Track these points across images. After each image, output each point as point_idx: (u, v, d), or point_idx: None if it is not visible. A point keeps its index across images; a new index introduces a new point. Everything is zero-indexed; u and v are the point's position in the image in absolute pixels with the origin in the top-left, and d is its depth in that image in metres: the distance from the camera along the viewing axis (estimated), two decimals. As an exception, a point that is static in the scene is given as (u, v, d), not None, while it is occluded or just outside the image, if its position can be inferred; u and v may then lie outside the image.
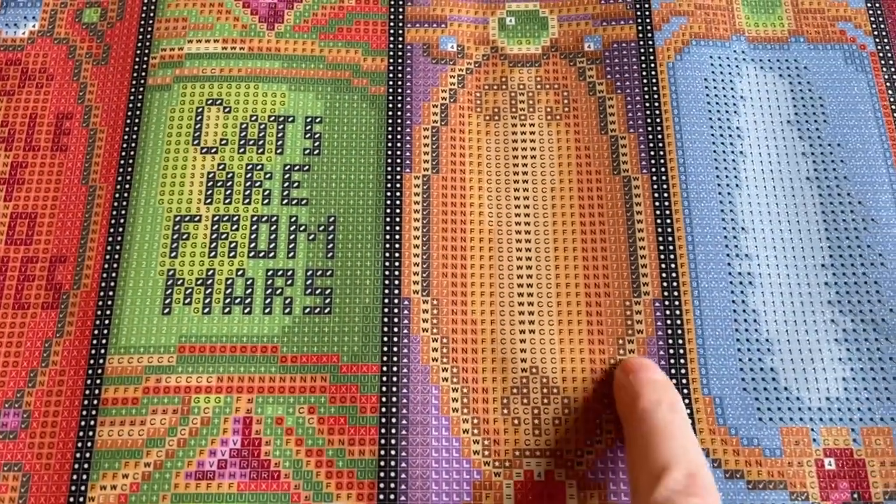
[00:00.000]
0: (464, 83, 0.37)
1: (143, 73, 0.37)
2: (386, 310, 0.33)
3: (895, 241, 0.34)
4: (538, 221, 0.35)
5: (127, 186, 0.35)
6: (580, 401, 0.32)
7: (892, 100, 0.37)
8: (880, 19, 0.38)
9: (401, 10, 0.38)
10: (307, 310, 0.33)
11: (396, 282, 0.33)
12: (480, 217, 0.35)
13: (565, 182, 0.36)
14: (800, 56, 0.38)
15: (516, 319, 0.33)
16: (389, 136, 0.36)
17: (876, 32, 0.38)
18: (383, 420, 0.31)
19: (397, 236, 0.34)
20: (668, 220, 0.34)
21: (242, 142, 0.35)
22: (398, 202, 0.35)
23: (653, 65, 0.37)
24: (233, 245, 0.34)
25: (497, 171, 0.36)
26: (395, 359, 0.32)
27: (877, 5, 0.39)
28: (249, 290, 0.33)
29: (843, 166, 0.36)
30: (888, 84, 0.37)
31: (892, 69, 0.37)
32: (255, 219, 0.34)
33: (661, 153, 0.35)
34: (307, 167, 0.35)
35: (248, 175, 0.35)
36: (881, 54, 0.38)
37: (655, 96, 0.36)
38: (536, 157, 0.36)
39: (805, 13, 0.39)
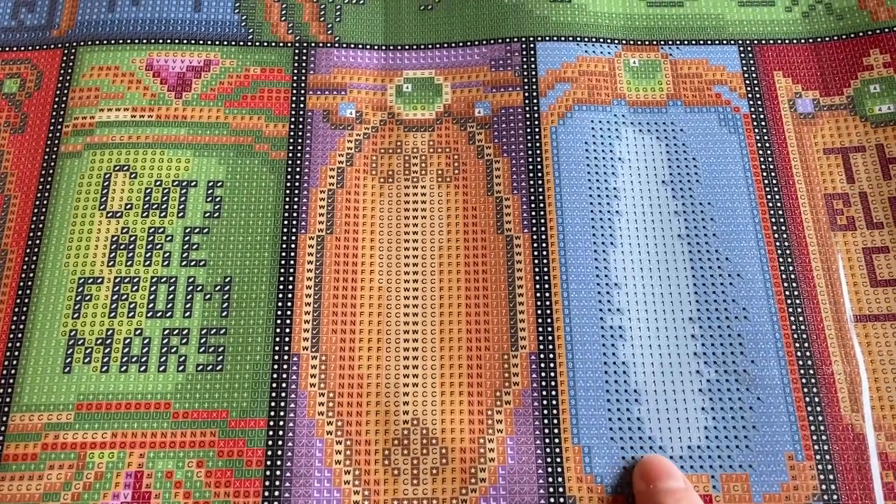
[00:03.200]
0: (360, 147, 0.40)
1: (57, 141, 0.39)
2: (275, 366, 0.35)
3: (759, 295, 0.36)
4: (426, 279, 0.37)
5: (36, 250, 0.37)
6: (457, 450, 0.34)
7: (761, 160, 0.39)
8: (755, 82, 0.41)
9: (303, 78, 0.41)
10: (200, 367, 0.35)
11: (287, 339, 0.35)
12: (371, 275, 0.37)
13: (452, 241, 0.38)
14: (676, 119, 0.40)
15: (401, 373, 0.35)
16: (287, 199, 0.38)
17: (750, 95, 0.41)
18: (268, 473, 0.33)
19: (290, 295, 0.36)
20: (546, 277, 0.37)
21: (146, 206, 0.37)
22: (292, 262, 0.37)
23: (537, 129, 0.39)
24: (132, 306, 0.36)
25: (389, 230, 0.38)
26: (282, 413, 0.34)
27: (752, 69, 0.41)
28: (146, 349, 0.35)
29: (712, 224, 0.38)
30: (759, 144, 0.40)
31: (764, 130, 0.40)
32: (154, 280, 0.36)
33: (542, 213, 0.38)
34: (207, 230, 0.37)
35: (150, 238, 0.37)
36: (753, 116, 0.40)
37: (538, 159, 0.39)
38: (427, 217, 0.38)
39: (683, 77, 0.41)
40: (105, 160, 0.38)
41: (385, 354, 0.36)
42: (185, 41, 0.41)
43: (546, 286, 0.36)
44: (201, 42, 0.41)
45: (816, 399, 0.35)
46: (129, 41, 0.41)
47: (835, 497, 0.33)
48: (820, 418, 0.34)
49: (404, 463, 0.34)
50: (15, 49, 0.41)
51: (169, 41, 0.41)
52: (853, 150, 0.39)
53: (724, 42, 0.42)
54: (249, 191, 0.38)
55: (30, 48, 0.41)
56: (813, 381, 0.35)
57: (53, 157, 0.39)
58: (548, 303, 0.36)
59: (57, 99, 0.40)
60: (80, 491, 0.32)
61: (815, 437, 0.34)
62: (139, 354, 0.35)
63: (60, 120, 0.39)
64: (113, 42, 0.41)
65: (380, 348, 0.36)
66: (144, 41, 0.41)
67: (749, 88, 0.41)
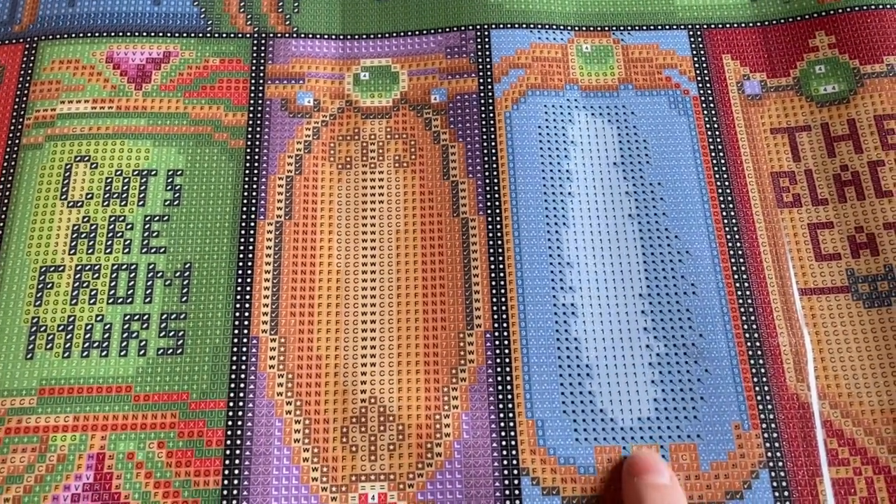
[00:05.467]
0: (318, 135, 0.40)
1: (18, 134, 0.39)
2: (235, 349, 0.36)
3: (707, 271, 0.37)
4: (383, 262, 0.38)
5: (-2, 240, 0.37)
6: (413, 427, 0.35)
7: (710, 140, 0.40)
8: (704, 65, 0.42)
9: (262, 68, 0.41)
10: (160, 351, 0.35)
11: (246, 322, 0.36)
12: (329, 259, 0.38)
13: (409, 224, 0.39)
14: (628, 102, 0.41)
15: (359, 353, 0.36)
16: (246, 186, 0.39)
17: (699, 78, 0.42)
18: (228, 452, 0.34)
19: (249, 279, 0.37)
20: (501, 258, 0.37)
21: (107, 195, 0.38)
22: (251, 247, 0.38)
23: (492, 114, 0.40)
24: (93, 292, 0.36)
25: (347, 215, 0.39)
26: (241, 394, 0.35)
27: (701, 53, 0.42)
28: (107, 335, 0.35)
29: (662, 203, 0.39)
30: (707, 126, 0.41)
31: (712, 111, 0.41)
32: (115, 267, 0.37)
33: (497, 196, 0.39)
34: (167, 217, 0.38)
35: (111, 226, 0.38)
36: (703, 98, 0.41)
37: (493, 143, 0.40)
38: (384, 202, 0.39)
39: (635, 62, 0.42)
40: (66, 151, 0.39)
41: (343, 336, 0.36)
42: (144, 34, 0.42)
43: (500, 266, 0.37)
44: (161, 34, 0.42)
45: (763, 370, 0.36)
46: (89, 35, 0.42)
47: (780, 464, 0.34)
48: (766, 388, 0.35)
49: (362, 440, 0.34)
50: (-24, 44, 0.42)
51: (129, 34, 0.42)
52: (799, 130, 0.40)
53: (675, 27, 0.43)
54: (209, 179, 0.39)
55: (-9, 43, 0.42)
56: (759, 352, 0.36)
57: (15, 149, 0.39)
58: (502, 283, 0.37)
59: (18, 92, 0.41)
60: (43, 473, 0.33)
61: (760, 407, 0.35)
62: (100, 340, 0.35)
63: (22, 113, 0.40)
64: (73, 36, 0.42)
65: (338, 330, 0.36)
66: (105, 34, 0.42)
67: (698, 71, 0.42)
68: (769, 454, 0.34)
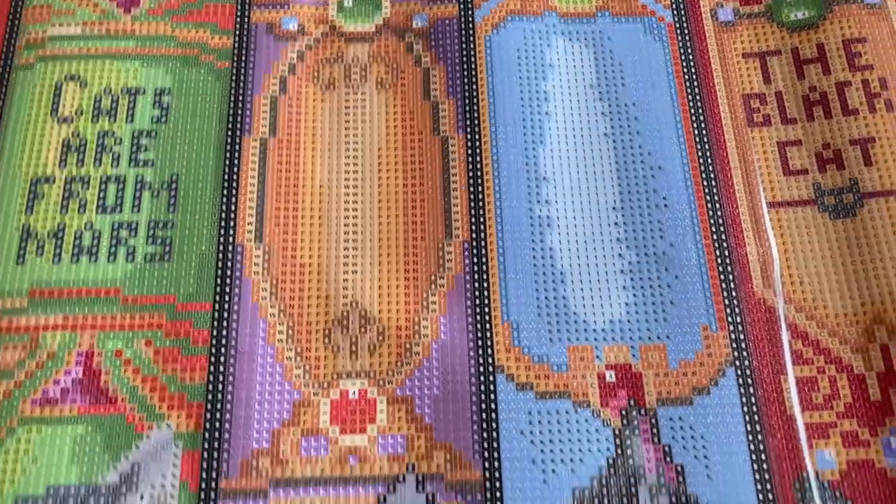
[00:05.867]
0: (303, 57, 0.41)
1: (10, 55, 0.40)
2: (220, 255, 0.37)
3: (678, 185, 0.39)
4: (365, 176, 0.39)
5: (-10, 154, 0.38)
6: (393, 328, 0.36)
7: (684, 64, 0.41)
8: (679, -5, 0.43)
9: (248, -6, 0.43)
10: (148, 257, 0.36)
11: (231, 231, 0.37)
12: (313, 173, 0.39)
13: (391, 142, 0.40)
14: (604, 28, 0.42)
15: (341, 262, 0.37)
16: (231, 105, 0.40)
17: (674, 6, 0.43)
18: (213, 350, 0.35)
19: (234, 191, 0.38)
20: (479, 173, 0.39)
21: (96, 112, 0.39)
22: (237, 161, 0.39)
23: (472, 38, 0.41)
24: (83, 202, 0.37)
25: (330, 133, 0.40)
26: (227, 297, 0.36)
27: (677, -18, 0.44)
28: (96, 241, 0.37)
29: (636, 123, 0.40)
30: (681, 50, 0.42)
31: (686, 37, 0.42)
32: (104, 179, 0.38)
33: (476, 115, 0.40)
34: (154, 133, 0.39)
35: (100, 141, 0.39)
36: (677, 25, 0.42)
37: (473, 66, 0.41)
38: (366, 121, 0.40)
39: (611, -9, 0.43)
40: (56, 71, 0.40)
41: (326, 245, 0.37)
42: (133, -39, 0.43)
43: (479, 181, 0.39)
44: (149, -38, 0.43)
45: (731, 277, 0.37)
46: (79, -38, 0.43)
47: (746, 363, 0.35)
48: (734, 294, 0.36)
49: (343, 341, 0.36)
50: (-31, -29, 0.43)
51: (118, -39, 0.43)
52: (770, 54, 0.42)
53: (651, -42, 0.44)
54: (195, 97, 0.40)
55: (-17, -30, 0.43)
56: (728, 261, 0.37)
57: (7, 69, 0.40)
58: (480, 196, 0.38)
59: (10, 17, 0.42)
60: (33, 369, 0.34)
61: (728, 311, 0.36)
62: (90, 246, 0.37)
63: (14, 36, 0.41)
64: (64, -37, 0.43)
65: (321, 240, 0.38)
66: (94, -38, 0.43)
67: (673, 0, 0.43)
68: (735, 353, 0.35)
